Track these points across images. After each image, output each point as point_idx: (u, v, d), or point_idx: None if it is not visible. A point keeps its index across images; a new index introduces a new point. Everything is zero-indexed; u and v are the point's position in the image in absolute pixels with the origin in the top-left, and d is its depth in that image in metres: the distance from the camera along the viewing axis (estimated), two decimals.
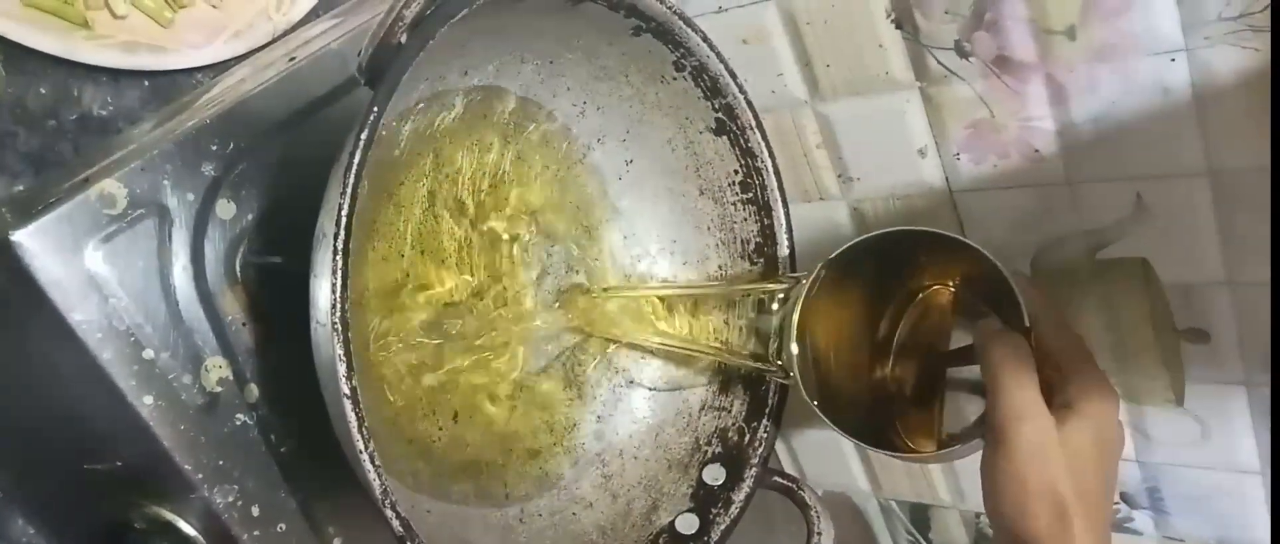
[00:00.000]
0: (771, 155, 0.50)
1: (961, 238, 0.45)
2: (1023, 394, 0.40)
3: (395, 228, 0.44)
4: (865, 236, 0.46)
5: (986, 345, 0.42)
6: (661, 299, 0.52)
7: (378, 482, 0.34)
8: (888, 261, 0.48)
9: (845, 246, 0.46)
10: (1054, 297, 0.53)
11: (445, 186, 0.46)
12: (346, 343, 0.33)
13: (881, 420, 0.50)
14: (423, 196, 0.45)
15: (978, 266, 0.43)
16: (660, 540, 0.48)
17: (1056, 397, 0.42)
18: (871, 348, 0.51)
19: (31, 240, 0.35)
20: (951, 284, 0.49)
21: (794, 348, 0.46)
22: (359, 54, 0.35)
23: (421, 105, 0.44)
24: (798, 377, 0.46)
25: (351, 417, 0.33)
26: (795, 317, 0.46)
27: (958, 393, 0.49)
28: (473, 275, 0.47)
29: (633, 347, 0.53)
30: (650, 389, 0.53)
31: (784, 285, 0.49)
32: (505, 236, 0.49)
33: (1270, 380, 0.51)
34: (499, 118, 0.47)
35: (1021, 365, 0.41)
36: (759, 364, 0.49)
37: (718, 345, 0.52)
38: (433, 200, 0.45)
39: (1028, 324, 0.42)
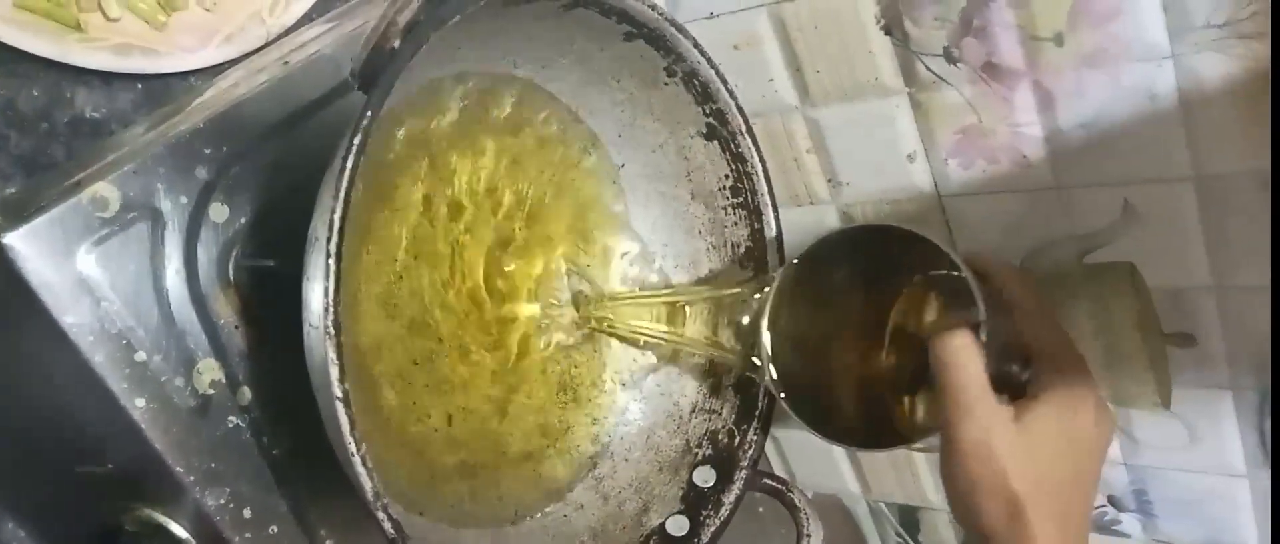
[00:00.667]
0: (762, 160, 0.51)
1: (917, 231, 0.44)
2: (965, 391, 0.39)
3: (390, 231, 0.44)
4: (826, 235, 0.46)
5: (933, 343, 0.41)
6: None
7: (370, 484, 0.34)
8: (872, 259, 0.48)
9: (810, 245, 0.46)
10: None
11: (441, 190, 0.46)
12: (339, 346, 0.33)
13: (872, 415, 0.50)
14: (418, 200, 0.45)
15: (948, 261, 0.43)
16: (651, 542, 0.48)
17: (1028, 387, 0.42)
18: (860, 345, 0.51)
19: (23, 243, 0.35)
20: (931, 278, 0.49)
21: (766, 344, 0.47)
22: (353, 58, 0.35)
23: (416, 109, 0.44)
24: (770, 372, 0.47)
25: (344, 420, 0.33)
26: (765, 316, 0.46)
27: (932, 387, 0.49)
28: (467, 279, 0.47)
29: (625, 340, 0.53)
30: (642, 392, 0.54)
31: (758, 287, 0.49)
32: (501, 239, 0.49)
33: (1270, 383, 0.52)
34: (493, 122, 0.48)
35: (966, 361, 0.40)
36: (742, 361, 0.50)
37: (707, 338, 0.52)
38: (428, 204, 0.45)
39: (982, 317, 0.41)
